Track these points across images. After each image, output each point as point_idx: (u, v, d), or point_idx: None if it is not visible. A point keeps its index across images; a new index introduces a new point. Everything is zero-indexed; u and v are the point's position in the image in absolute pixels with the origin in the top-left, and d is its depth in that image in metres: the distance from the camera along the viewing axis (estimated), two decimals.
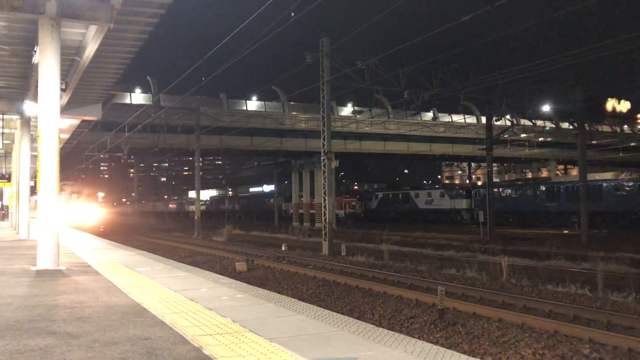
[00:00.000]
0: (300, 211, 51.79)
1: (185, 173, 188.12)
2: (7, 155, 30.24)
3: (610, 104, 28.32)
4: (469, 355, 7.58)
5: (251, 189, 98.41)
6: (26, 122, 19.43)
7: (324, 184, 22.21)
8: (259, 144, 43.91)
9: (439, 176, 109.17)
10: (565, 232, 31.56)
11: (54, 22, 9.57)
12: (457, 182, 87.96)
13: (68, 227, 31.38)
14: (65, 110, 16.96)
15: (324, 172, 22.18)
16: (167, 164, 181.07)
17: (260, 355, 3.99)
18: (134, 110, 34.64)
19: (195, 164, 39.65)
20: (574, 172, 59.62)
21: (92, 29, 11.23)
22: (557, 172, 59.04)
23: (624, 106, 28.71)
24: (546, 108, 29.17)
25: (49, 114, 9.57)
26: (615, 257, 17.45)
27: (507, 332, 8.57)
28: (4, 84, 16.15)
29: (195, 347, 4.21)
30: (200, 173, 40.63)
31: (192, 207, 77.82)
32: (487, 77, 24.49)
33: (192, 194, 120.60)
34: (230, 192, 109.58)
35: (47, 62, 9.59)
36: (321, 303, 11.42)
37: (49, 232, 9.51)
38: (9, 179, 29.60)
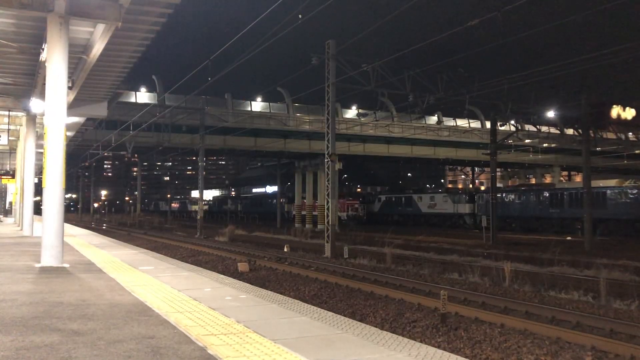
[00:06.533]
0: (303, 213, 51.79)
1: (188, 173, 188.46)
2: (12, 151, 30.32)
3: (615, 111, 28.29)
4: None
5: (254, 190, 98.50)
6: (32, 119, 19.52)
7: (327, 186, 22.21)
8: (263, 144, 43.97)
9: (442, 180, 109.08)
10: (569, 238, 31.47)
11: (62, 20, 9.61)
12: (460, 186, 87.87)
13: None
14: (72, 107, 17.00)
15: (328, 174, 22.17)
16: (170, 164, 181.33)
17: (264, 356, 4.00)
18: (139, 109, 34.71)
19: (199, 164, 39.75)
20: (578, 178, 59.54)
21: (100, 27, 11.28)
22: (561, 178, 58.91)
23: (629, 113, 28.68)
24: (551, 114, 29.15)
25: (56, 111, 9.61)
26: (619, 264, 17.41)
27: (509, 338, 8.55)
28: (11, 81, 16.21)
29: (200, 346, 4.22)
30: (204, 173, 40.73)
31: (195, 207, 78.04)
32: (492, 81, 24.49)
33: (195, 193, 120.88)
34: (233, 193, 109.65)
35: (55, 59, 9.63)
36: (323, 305, 11.42)
37: (53, 229, 9.53)
38: (13, 176, 29.70)
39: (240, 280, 10.23)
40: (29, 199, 19.75)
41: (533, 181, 57.19)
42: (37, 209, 26.31)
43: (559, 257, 18.63)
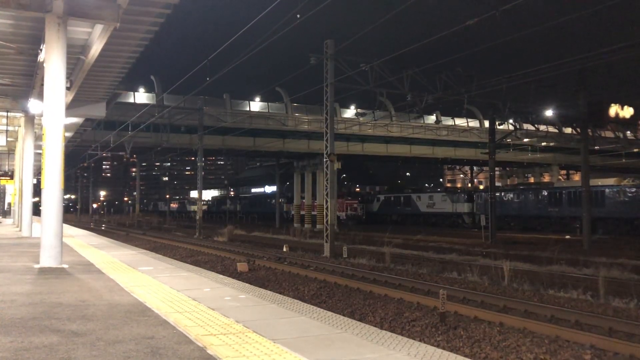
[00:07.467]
0: (302, 212, 51.81)
1: (187, 173, 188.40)
2: (11, 152, 30.29)
3: (614, 109, 28.31)
4: (470, 359, 7.59)
5: (253, 190, 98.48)
6: (30, 119, 19.50)
7: (325, 186, 22.21)
8: (262, 144, 43.98)
9: (441, 179, 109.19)
10: (567, 237, 31.51)
11: (60, 21, 9.60)
12: (459, 185, 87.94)
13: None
14: (70, 108, 16.99)
15: (326, 173, 22.18)
16: (169, 164, 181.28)
17: (264, 356, 4.00)
18: (138, 109, 34.70)
19: (198, 164, 39.75)
20: (577, 177, 59.58)
21: (98, 27, 11.27)
22: (560, 177, 58.99)
23: (627, 112, 28.70)
24: (549, 113, 29.19)
25: (54, 111, 9.60)
26: (617, 263, 17.43)
27: (508, 337, 8.56)
28: (9, 82, 16.19)
29: (200, 346, 4.22)
30: (203, 173, 40.74)
31: (194, 207, 78.05)
32: (491, 81, 24.50)
33: (193, 193, 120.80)
34: (232, 193, 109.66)
35: (53, 60, 9.62)
36: (322, 304, 11.43)
37: (52, 229, 9.52)
38: (11, 177, 29.67)
39: (239, 280, 10.24)
40: (28, 199, 19.73)
41: (532, 180, 57.26)
42: (36, 210, 26.30)
43: (558, 255, 18.65)
